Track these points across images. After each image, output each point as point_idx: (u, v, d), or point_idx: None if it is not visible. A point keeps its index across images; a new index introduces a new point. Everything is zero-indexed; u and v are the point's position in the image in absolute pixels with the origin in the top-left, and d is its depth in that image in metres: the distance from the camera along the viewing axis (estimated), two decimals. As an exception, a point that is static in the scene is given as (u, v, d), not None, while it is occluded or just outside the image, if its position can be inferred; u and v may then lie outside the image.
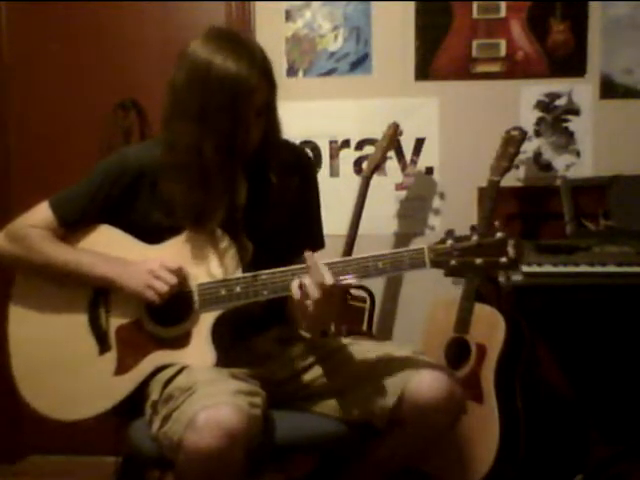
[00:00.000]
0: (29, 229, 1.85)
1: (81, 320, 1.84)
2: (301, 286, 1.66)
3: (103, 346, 1.82)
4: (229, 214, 1.76)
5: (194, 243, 1.78)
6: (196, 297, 1.77)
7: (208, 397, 1.59)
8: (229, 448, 1.54)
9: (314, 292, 1.63)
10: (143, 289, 1.75)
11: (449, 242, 1.64)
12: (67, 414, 1.84)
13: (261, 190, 1.81)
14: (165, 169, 1.76)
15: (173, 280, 1.74)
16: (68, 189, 1.88)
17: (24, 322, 1.89)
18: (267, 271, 1.74)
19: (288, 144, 1.96)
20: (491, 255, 1.62)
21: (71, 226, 1.86)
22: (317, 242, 1.95)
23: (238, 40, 1.73)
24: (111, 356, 1.81)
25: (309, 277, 1.65)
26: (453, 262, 1.64)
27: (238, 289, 1.75)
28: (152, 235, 1.82)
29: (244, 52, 1.69)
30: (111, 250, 1.83)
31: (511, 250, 1.61)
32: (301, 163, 1.95)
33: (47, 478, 2.91)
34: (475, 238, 1.63)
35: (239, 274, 1.76)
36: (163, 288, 1.73)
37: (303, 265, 1.71)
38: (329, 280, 1.63)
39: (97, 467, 2.85)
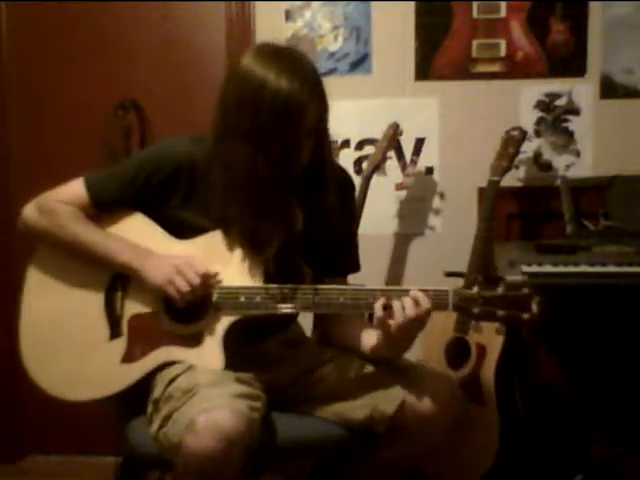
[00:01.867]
0: (60, 204, 1.83)
1: (97, 301, 1.83)
2: (386, 307, 1.67)
3: (114, 331, 1.81)
4: (286, 240, 1.75)
5: (222, 245, 1.77)
6: (215, 299, 1.76)
7: (208, 400, 1.59)
8: (227, 451, 1.54)
9: (411, 311, 1.65)
10: (164, 283, 1.73)
11: (475, 289, 1.65)
12: (68, 393, 1.82)
13: (315, 213, 1.80)
14: (216, 183, 1.73)
15: (196, 280, 1.72)
16: (106, 170, 1.86)
17: (39, 292, 1.87)
18: (289, 286, 1.74)
19: (336, 167, 1.95)
20: (514, 308, 1.64)
21: (103, 209, 1.84)
22: (355, 265, 1.96)
23: (291, 57, 1.71)
24: (121, 342, 1.81)
25: (404, 298, 1.66)
26: (476, 310, 1.65)
27: (258, 299, 1.74)
28: (181, 232, 1.80)
29: (298, 70, 1.67)
30: (139, 239, 1.81)
31: (535, 307, 1.63)
32: (344, 185, 1.94)
33: (47, 478, 2.90)
34: (501, 289, 1.65)
35: (261, 284, 1.75)
36: (185, 287, 1.72)
37: (327, 286, 1.73)
38: (427, 304, 1.66)
39: (97, 467, 2.85)
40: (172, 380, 1.71)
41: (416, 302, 1.66)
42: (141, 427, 1.75)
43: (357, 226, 2.00)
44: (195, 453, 1.54)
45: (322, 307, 1.73)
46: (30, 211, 1.86)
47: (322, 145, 1.76)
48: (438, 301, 1.67)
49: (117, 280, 1.83)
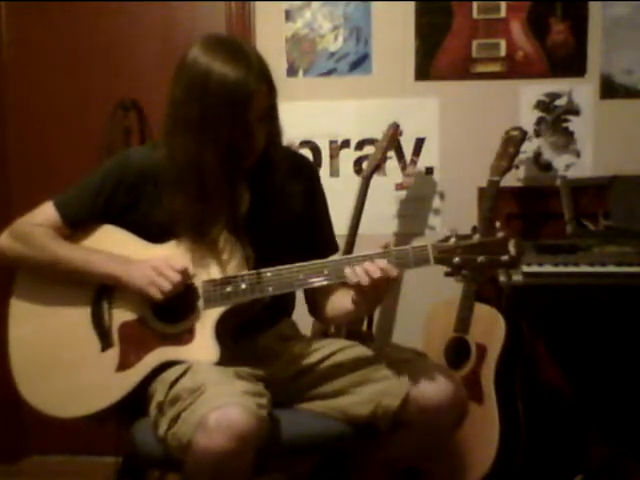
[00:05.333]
0: (34, 227, 1.85)
1: (83, 317, 1.84)
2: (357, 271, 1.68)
3: (105, 343, 1.82)
4: (231, 222, 1.77)
5: (199, 242, 1.78)
6: (200, 294, 1.77)
7: (217, 398, 1.59)
8: (240, 449, 1.54)
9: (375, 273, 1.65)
10: (146, 285, 1.75)
11: (452, 240, 1.67)
12: (66, 411, 1.83)
13: (264, 196, 1.82)
14: (166, 181, 1.76)
15: (177, 278, 1.74)
16: (72, 189, 1.88)
17: (25, 319, 1.88)
18: (272, 268, 1.75)
19: (291, 153, 1.98)
20: (493, 253, 1.65)
21: (75, 225, 1.86)
22: (330, 247, 1.97)
23: (234, 46, 1.73)
24: (113, 353, 1.81)
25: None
26: (456, 259, 1.66)
27: (243, 286, 1.75)
28: (155, 235, 1.82)
29: (241, 58, 1.69)
30: (116, 249, 1.83)
31: (512, 249, 1.64)
32: (305, 171, 1.96)
33: (47, 478, 2.91)
34: (477, 237, 1.66)
35: (244, 271, 1.76)
36: (166, 287, 1.73)
37: (308, 262, 1.73)
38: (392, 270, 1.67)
39: (97, 467, 2.86)
40: (174, 382, 1.71)
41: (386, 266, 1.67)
42: (145, 428, 1.75)
43: (327, 211, 2.01)
44: (207, 451, 1.54)
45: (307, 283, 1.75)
46: (4, 239, 1.88)
47: (272, 129, 1.78)
48: (419, 257, 1.68)
49: (101, 293, 1.84)
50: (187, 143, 1.70)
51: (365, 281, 1.66)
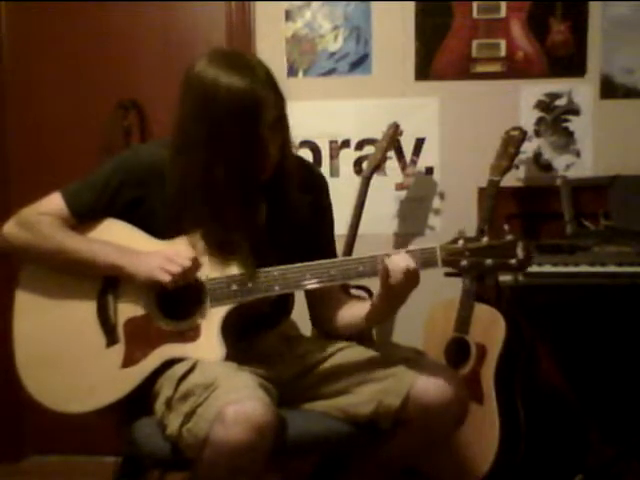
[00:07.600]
0: (40, 216, 1.83)
1: (89, 312, 1.83)
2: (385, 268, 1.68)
3: (111, 339, 1.81)
4: (251, 235, 1.76)
5: (206, 240, 1.78)
6: (207, 291, 1.77)
7: (233, 391, 1.59)
8: (257, 441, 1.55)
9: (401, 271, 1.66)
10: (155, 271, 1.73)
11: (460, 242, 1.67)
12: (70, 407, 1.82)
13: (279, 207, 1.82)
14: (177, 195, 1.76)
15: (187, 263, 1.73)
16: (80, 181, 1.87)
17: (30, 313, 1.87)
18: (279, 267, 1.75)
19: (303, 163, 1.97)
20: (501, 256, 1.65)
21: (82, 218, 1.85)
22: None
23: (237, 58, 1.74)
24: (118, 349, 1.80)
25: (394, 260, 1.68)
26: (464, 262, 1.67)
27: (250, 284, 1.76)
28: (161, 232, 1.81)
29: (248, 68, 1.69)
30: (122, 242, 1.82)
31: (520, 252, 1.64)
32: (315, 182, 1.95)
33: (47, 478, 2.91)
34: (485, 239, 1.66)
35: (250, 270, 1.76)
36: (177, 269, 1.72)
37: (315, 262, 1.74)
38: (412, 264, 1.67)
39: (97, 467, 2.85)
40: (182, 378, 1.70)
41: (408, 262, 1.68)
42: (147, 426, 1.75)
43: (333, 225, 2.01)
44: (225, 445, 1.54)
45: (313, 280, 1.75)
46: (10, 227, 1.86)
47: (283, 141, 1.77)
48: (427, 259, 1.69)
49: (107, 288, 1.84)
50: (198, 162, 1.70)
51: (399, 269, 1.65)
